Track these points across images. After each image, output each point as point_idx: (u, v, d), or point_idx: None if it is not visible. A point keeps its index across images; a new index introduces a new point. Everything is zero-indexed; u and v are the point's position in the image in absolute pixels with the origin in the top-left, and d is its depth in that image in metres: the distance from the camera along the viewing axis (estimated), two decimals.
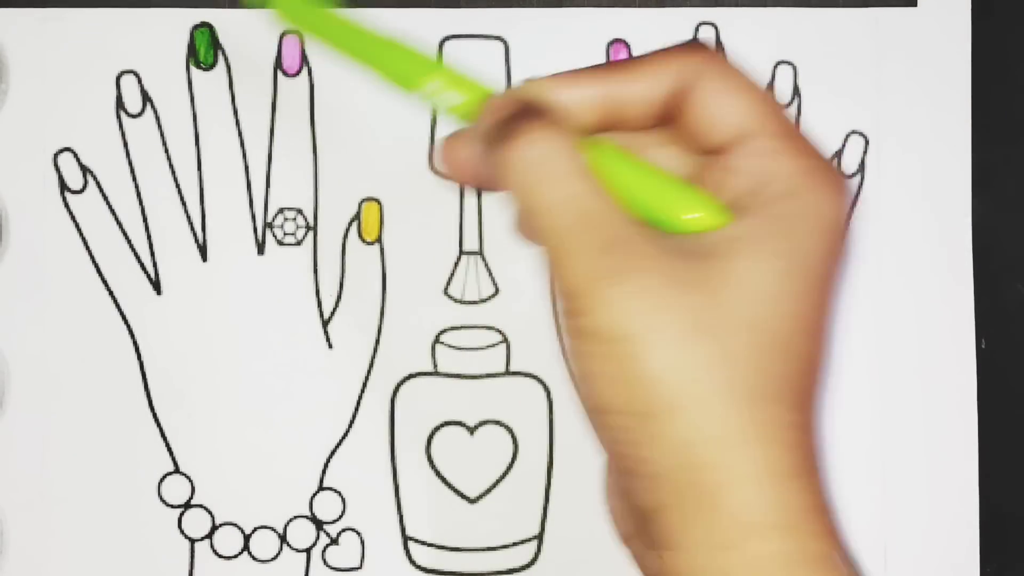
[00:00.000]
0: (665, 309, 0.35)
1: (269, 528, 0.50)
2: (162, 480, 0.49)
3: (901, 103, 0.51)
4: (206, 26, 0.50)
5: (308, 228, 0.50)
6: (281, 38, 0.50)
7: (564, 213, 0.36)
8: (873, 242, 0.50)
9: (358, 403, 0.50)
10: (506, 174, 0.37)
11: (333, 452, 0.50)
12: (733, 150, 0.38)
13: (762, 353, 0.35)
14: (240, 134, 0.50)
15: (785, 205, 0.37)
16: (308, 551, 0.50)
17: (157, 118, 0.50)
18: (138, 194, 0.50)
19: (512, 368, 0.50)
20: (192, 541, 0.49)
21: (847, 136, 0.50)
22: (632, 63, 0.39)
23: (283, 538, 0.50)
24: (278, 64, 0.50)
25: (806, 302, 0.36)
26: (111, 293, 0.50)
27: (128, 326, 0.50)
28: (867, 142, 0.51)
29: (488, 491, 0.50)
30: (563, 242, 0.36)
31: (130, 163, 0.50)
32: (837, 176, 0.38)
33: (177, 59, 0.50)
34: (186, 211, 0.50)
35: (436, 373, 0.50)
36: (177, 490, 0.49)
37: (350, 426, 0.50)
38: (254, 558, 0.49)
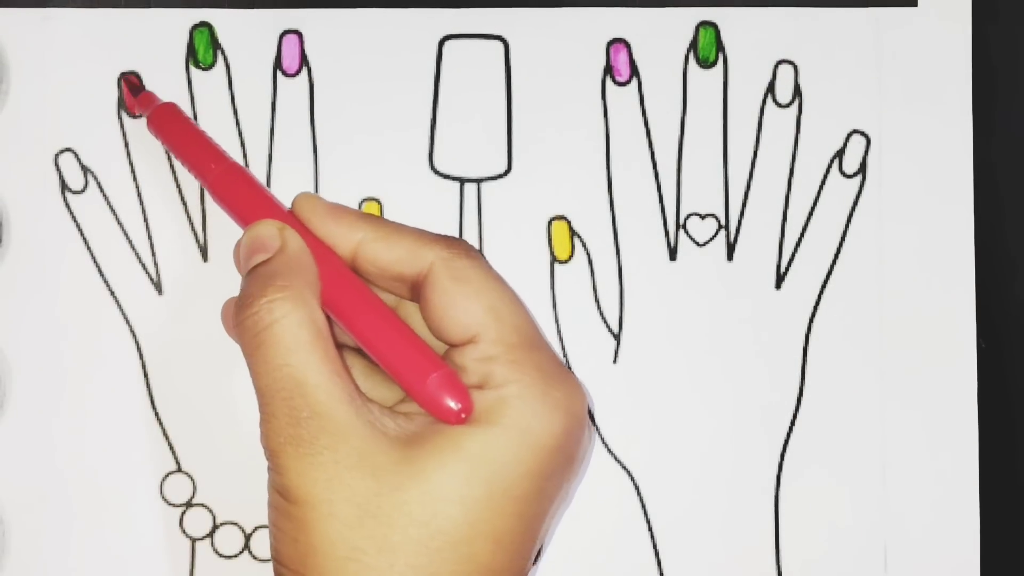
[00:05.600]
0: (342, 487, 0.37)
1: None
2: (164, 479, 0.50)
3: (902, 102, 0.50)
4: (205, 26, 0.50)
5: None
6: (281, 38, 0.50)
7: (271, 380, 0.39)
8: (874, 242, 0.50)
9: None
10: (238, 333, 0.40)
11: None
12: (462, 349, 0.40)
13: (429, 551, 0.37)
14: (240, 134, 0.50)
15: (494, 414, 0.38)
16: None
17: None
18: (139, 194, 0.50)
19: None
20: (193, 540, 0.50)
21: (848, 136, 0.50)
22: (395, 229, 0.42)
23: None
24: (278, 64, 0.50)
25: (493, 511, 0.38)
26: (112, 293, 0.50)
27: (130, 326, 0.50)
28: (868, 141, 0.50)
29: None
30: (265, 405, 0.39)
31: (131, 163, 0.50)
32: (563, 398, 0.39)
33: (177, 59, 0.50)
34: (187, 211, 0.50)
35: None
36: (179, 489, 0.50)
37: None
38: (255, 557, 0.50)
